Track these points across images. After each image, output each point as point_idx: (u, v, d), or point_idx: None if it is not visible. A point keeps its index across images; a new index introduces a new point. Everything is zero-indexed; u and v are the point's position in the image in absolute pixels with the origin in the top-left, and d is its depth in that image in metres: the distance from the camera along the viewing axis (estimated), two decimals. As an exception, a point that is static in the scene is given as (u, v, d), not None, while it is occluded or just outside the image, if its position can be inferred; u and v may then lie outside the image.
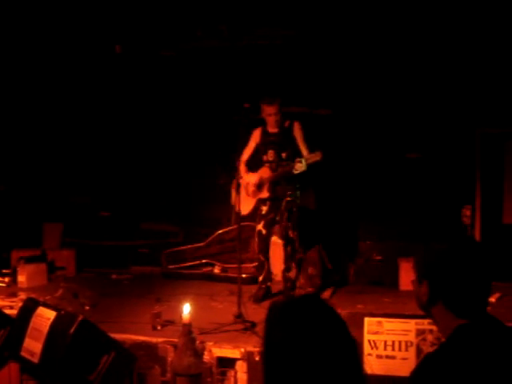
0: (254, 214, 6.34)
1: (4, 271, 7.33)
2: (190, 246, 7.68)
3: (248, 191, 6.24)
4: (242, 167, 6.24)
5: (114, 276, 7.57)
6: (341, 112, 7.55)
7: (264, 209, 6.21)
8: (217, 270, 7.44)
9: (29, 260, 7.13)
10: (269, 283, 6.22)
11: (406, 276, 6.65)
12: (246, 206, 6.15)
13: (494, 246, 6.49)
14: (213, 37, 7.67)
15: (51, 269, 7.45)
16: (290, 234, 5.97)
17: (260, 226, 6.23)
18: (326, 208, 7.49)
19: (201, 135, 7.90)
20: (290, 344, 1.61)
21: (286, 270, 5.91)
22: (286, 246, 5.92)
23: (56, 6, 7.55)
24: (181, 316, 5.19)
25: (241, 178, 5.84)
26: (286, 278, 5.88)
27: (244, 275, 6.27)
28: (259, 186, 6.20)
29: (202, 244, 7.64)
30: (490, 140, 6.98)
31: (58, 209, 8.26)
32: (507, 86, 6.79)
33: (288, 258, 5.92)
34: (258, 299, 5.99)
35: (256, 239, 6.32)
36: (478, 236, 6.83)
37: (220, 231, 7.53)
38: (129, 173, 8.23)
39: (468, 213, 6.82)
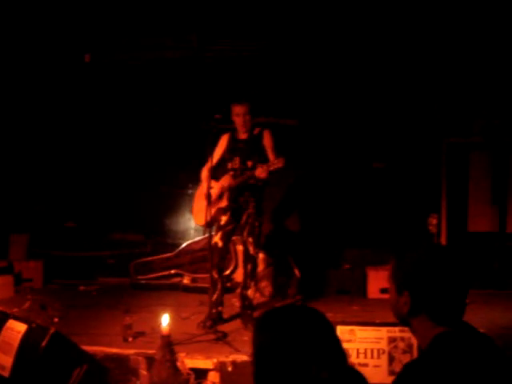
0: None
1: (-31, 283, 7.21)
2: (158, 257, 7.65)
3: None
4: (206, 174, 5.74)
5: (81, 287, 7.48)
6: (307, 122, 7.62)
7: (223, 219, 5.62)
8: (186, 281, 7.40)
9: (-5, 272, 7.02)
10: (220, 308, 5.62)
11: (374, 284, 6.74)
12: (204, 215, 5.64)
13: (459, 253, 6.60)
14: (182, 47, 7.69)
15: (18, 281, 7.32)
16: (251, 250, 5.49)
17: (217, 238, 5.61)
18: (292, 218, 7.55)
19: (169, 145, 7.90)
20: (280, 347, 1.64)
21: (244, 287, 5.56)
22: (245, 263, 5.56)
23: (27, 14, 7.49)
24: (152, 327, 5.23)
25: (211, 188, 5.56)
26: (243, 297, 5.58)
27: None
28: (220, 195, 5.67)
29: (170, 254, 7.62)
30: (455, 150, 7.12)
31: (25, 220, 8.16)
32: (473, 98, 6.95)
33: (247, 276, 5.54)
34: (208, 326, 5.35)
35: (210, 252, 5.58)
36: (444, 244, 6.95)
37: (189, 241, 7.52)
38: (95, 182, 8.17)
39: (434, 221, 6.92)
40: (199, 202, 5.89)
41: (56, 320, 5.72)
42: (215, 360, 4.53)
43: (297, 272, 6.94)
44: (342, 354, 1.71)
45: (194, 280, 7.33)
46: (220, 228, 5.65)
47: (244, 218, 5.54)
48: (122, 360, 4.65)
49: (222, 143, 5.81)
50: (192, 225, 7.68)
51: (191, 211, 6.13)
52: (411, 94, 7.23)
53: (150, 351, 4.58)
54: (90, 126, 8.14)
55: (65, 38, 7.75)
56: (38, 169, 8.23)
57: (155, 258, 7.67)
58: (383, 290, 6.56)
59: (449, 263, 2.03)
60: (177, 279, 7.50)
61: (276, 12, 7.24)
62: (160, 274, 7.57)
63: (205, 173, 5.80)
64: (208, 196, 5.48)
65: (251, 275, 5.56)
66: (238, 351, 4.69)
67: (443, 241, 7.00)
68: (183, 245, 7.59)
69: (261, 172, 5.22)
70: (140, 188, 8.00)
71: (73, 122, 8.16)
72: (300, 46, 7.41)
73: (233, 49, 7.60)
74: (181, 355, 4.55)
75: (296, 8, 7.18)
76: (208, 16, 7.43)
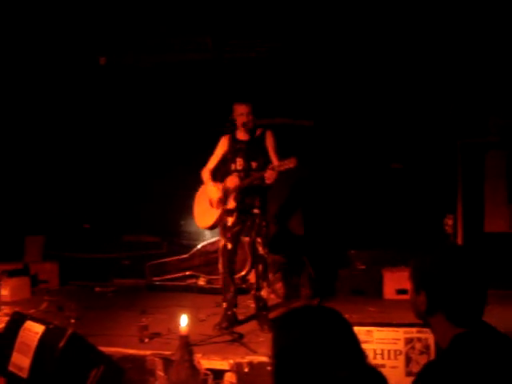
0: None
1: (-14, 285, 7.25)
2: (173, 258, 7.67)
3: (212, 202, 5.64)
4: (207, 176, 5.73)
5: (97, 289, 7.53)
6: (324, 123, 7.60)
7: (230, 220, 5.49)
8: (201, 282, 7.41)
9: (12, 273, 7.05)
10: (235, 309, 5.61)
11: (390, 285, 6.71)
12: (208, 217, 5.69)
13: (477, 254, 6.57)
14: (197, 49, 7.70)
15: (34, 282, 7.39)
16: (260, 250, 5.44)
17: (225, 240, 5.56)
18: (308, 218, 7.53)
19: (183, 146, 7.91)
20: (301, 347, 1.65)
21: (257, 289, 5.51)
22: (256, 263, 5.50)
23: (42, 17, 7.54)
24: (168, 328, 5.24)
25: (225, 187, 5.53)
26: (257, 298, 5.54)
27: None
28: (226, 196, 5.56)
29: (186, 256, 7.63)
30: (470, 150, 7.08)
31: (40, 222, 8.21)
32: (487, 97, 6.90)
33: (259, 277, 5.50)
34: (223, 328, 5.41)
35: (220, 255, 5.60)
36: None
37: (204, 242, 7.52)
38: (109, 184, 8.20)
39: (450, 222, 6.88)
40: (200, 204, 5.86)
41: (73, 321, 5.73)
42: (231, 361, 4.53)
43: (311, 272, 6.93)
44: (361, 353, 1.71)
45: (209, 281, 7.32)
46: (228, 229, 5.53)
47: (250, 218, 5.50)
48: (138, 361, 4.67)
49: (223, 145, 5.72)
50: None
51: (192, 214, 6.00)
52: (427, 95, 7.21)
53: (167, 352, 4.59)
54: (105, 128, 8.18)
55: (80, 40, 7.80)
56: (53, 171, 8.27)
57: (170, 259, 7.69)
58: (399, 291, 6.54)
59: (465, 263, 2.03)
60: (192, 280, 7.52)
61: (292, 13, 7.24)
62: (175, 275, 7.59)
63: (206, 174, 5.76)
64: (224, 197, 5.50)
65: (263, 275, 5.50)
66: (254, 352, 4.69)
67: (459, 241, 6.95)
68: (198, 246, 7.59)
69: (271, 174, 5.13)
70: (155, 189, 8.02)
71: (88, 125, 8.20)
72: (316, 46, 7.40)
73: (248, 50, 7.60)
74: (197, 356, 4.54)
75: (312, 8, 7.18)
76: (223, 18, 7.44)
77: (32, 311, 6.05)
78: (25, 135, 8.25)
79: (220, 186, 5.65)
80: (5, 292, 6.91)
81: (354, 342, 1.73)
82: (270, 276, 6.78)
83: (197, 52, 7.73)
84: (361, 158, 7.45)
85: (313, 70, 7.49)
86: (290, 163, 5.02)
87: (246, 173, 5.45)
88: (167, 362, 4.48)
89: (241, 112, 5.52)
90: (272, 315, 5.61)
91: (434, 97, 7.17)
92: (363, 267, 7.16)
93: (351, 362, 1.66)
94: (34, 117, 8.23)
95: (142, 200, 8.07)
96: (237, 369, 4.48)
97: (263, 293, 5.52)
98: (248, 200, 5.48)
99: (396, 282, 6.62)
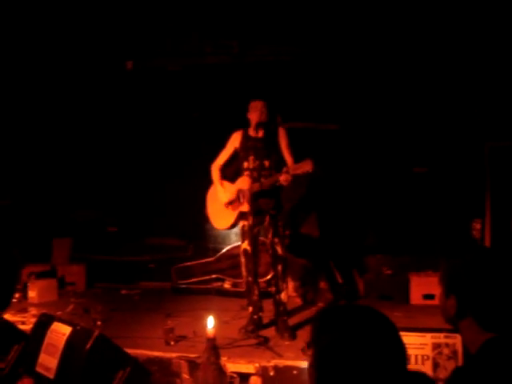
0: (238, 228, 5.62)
1: (14, 286, 7.32)
2: (199, 261, 7.68)
3: (224, 205, 5.56)
4: (216, 174, 5.62)
5: (123, 291, 7.58)
6: (348, 127, 7.57)
7: (246, 224, 5.41)
8: (227, 285, 7.42)
9: (39, 275, 7.14)
10: (260, 313, 5.54)
11: (417, 290, 6.65)
12: (225, 219, 5.58)
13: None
14: (222, 53, 7.71)
15: (61, 284, 7.47)
16: (279, 251, 5.35)
17: (245, 244, 5.45)
18: (335, 223, 7.50)
19: (208, 150, 7.91)
20: (348, 347, 1.62)
21: (277, 292, 5.38)
22: (275, 265, 5.39)
23: (70, 23, 7.62)
24: (194, 331, 5.25)
25: (238, 189, 5.40)
26: (277, 302, 5.41)
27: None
28: (239, 198, 5.43)
29: (211, 259, 7.65)
30: (499, 153, 7.00)
31: (67, 224, 8.28)
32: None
33: (278, 279, 5.38)
34: (249, 332, 5.35)
35: (242, 259, 5.51)
36: (488, 249, 6.83)
37: (230, 246, 7.53)
38: (136, 187, 8.25)
39: (478, 226, 6.82)
40: (213, 204, 5.73)
41: (99, 323, 5.78)
42: (257, 365, 4.52)
43: (338, 277, 6.90)
44: (405, 357, 1.68)
45: (234, 285, 7.32)
46: (246, 233, 5.47)
47: (267, 219, 5.39)
48: (164, 363, 4.68)
49: (235, 140, 5.55)
50: (233, 229, 7.67)
51: (206, 214, 5.87)
52: (453, 98, 7.14)
53: (192, 355, 4.61)
54: (132, 132, 8.23)
55: (107, 45, 7.86)
56: (81, 174, 8.34)
57: (196, 262, 7.70)
58: (426, 296, 6.49)
59: (495, 267, 2.01)
60: (218, 284, 7.53)
61: (317, 16, 7.23)
62: (201, 278, 7.61)
63: (216, 173, 5.63)
64: (237, 198, 5.46)
65: (282, 276, 5.39)
66: (279, 356, 4.68)
67: (487, 246, 6.88)
68: (224, 249, 7.60)
69: (286, 178, 4.98)
70: (180, 193, 8.03)
71: (114, 129, 8.26)
72: (341, 50, 7.37)
73: (273, 54, 7.59)
74: (223, 359, 4.54)
75: (338, 12, 7.16)
76: (248, 22, 7.44)
77: (59, 313, 6.09)
78: (52, 139, 8.33)
79: (229, 186, 5.56)
80: (32, 294, 6.99)
81: (399, 341, 1.69)
82: (295, 279, 6.79)
83: (222, 55, 7.75)
84: (386, 161, 7.40)
85: (336, 74, 7.45)
86: (306, 166, 4.87)
87: (258, 171, 5.32)
88: (193, 364, 4.50)
89: (256, 107, 5.39)
90: (293, 321, 5.60)
91: (461, 99, 7.10)
92: (390, 272, 7.11)
93: (395, 362, 1.63)
94: (62, 121, 8.30)
95: (168, 203, 8.09)
96: (262, 372, 4.47)
97: (283, 296, 5.42)
98: (263, 201, 5.35)
99: (423, 287, 6.56)
